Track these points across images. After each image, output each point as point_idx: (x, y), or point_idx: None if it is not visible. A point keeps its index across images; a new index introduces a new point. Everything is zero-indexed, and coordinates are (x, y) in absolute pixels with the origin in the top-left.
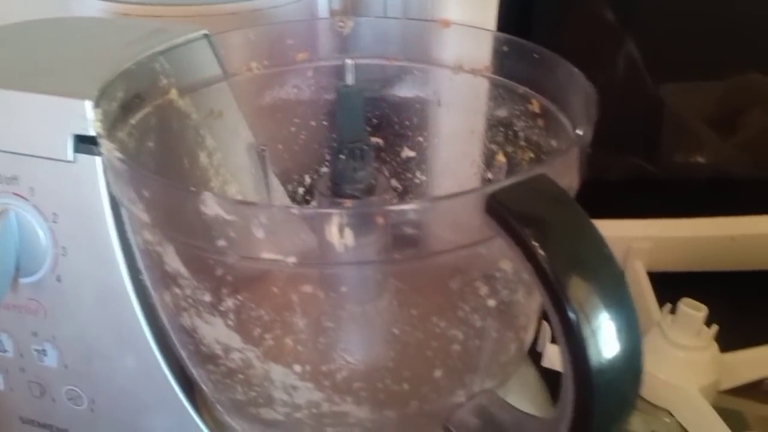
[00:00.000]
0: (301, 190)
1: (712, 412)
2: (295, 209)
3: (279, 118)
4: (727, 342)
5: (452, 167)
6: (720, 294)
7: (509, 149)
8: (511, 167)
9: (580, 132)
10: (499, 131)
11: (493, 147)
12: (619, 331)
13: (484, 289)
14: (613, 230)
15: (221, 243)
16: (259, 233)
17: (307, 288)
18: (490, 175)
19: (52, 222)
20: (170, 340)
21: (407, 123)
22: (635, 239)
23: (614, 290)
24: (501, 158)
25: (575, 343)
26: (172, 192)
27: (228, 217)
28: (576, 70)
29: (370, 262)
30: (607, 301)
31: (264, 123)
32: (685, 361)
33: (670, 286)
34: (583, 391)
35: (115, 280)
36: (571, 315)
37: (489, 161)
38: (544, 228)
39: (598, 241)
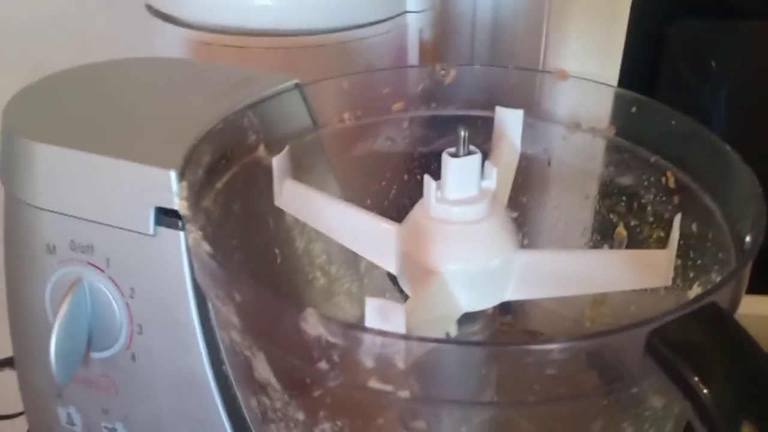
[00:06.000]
0: None
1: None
2: (414, 340)
3: (370, 171)
4: None
5: (560, 232)
6: None
7: (632, 222)
8: (634, 243)
9: (749, 239)
10: (621, 201)
11: (612, 217)
12: None
13: (629, 430)
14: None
15: (322, 365)
16: (369, 361)
17: (420, 424)
18: (606, 247)
19: (128, 297)
20: None
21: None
22: None
23: None
24: (622, 231)
25: None
26: (269, 301)
27: (332, 340)
28: (729, 149)
29: (499, 404)
30: None
31: (353, 177)
32: None
33: None
34: None
35: (195, 366)
36: None
37: (605, 231)
38: (715, 375)
39: None
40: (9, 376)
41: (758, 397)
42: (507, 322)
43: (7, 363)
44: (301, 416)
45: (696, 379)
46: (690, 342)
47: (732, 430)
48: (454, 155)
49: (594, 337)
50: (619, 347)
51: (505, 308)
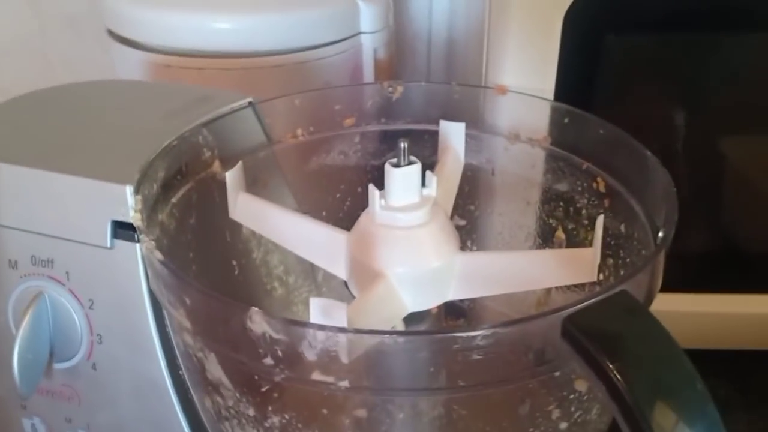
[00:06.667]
0: None
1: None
2: (351, 332)
3: (324, 184)
4: None
5: (505, 238)
6: None
7: (570, 226)
8: (572, 245)
9: (661, 234)
10: (559, 206)
11: (552, 222)
12: None
13: (556, 413)
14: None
15: (268, 361)
16: (310, 355)
17: (361, 412)
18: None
19: (88, 308)
20: None
21: (458, 191)
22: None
23: (700, 413)
24: (561, 234)
25: None
26: (216, 304)
27: (276, 336)
28: (649, 153)
29: (432, 390)
30: (693, 424)
31: (308, 190)
32: None
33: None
34: None
35: (153, 372)
36: None
37: (546, 235)
38: (625, 357)
39: (680, 361)
40: None
41: (668, 377)
42: (460, 326)
43: None
44: (251, 412)
45: (607, 361)
46: (602, 327)
47: (644, 409)
48: (396, 165)
49: (513, 324)
50: (541, 334)
51: (458, 312)
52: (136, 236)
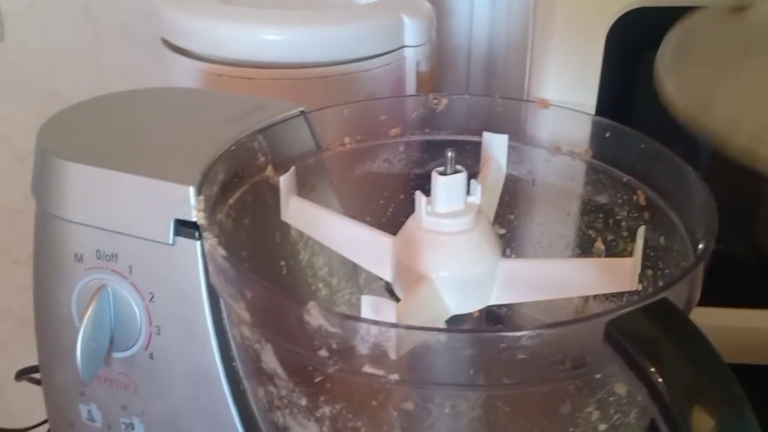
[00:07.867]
0: None
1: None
2: (402, 328)
3: (369, 190)
4: None
5: (544, 247)
6: None
7: (609, 237)
8: (611, 256)
9: (702, 246)
10: (599, 217)
11: (591, 233)
12: None
13: (595, 414)
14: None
15: (322, 353)
16: (363, 348)
17: (408, 405)
18: None
19: (148, 301)
20: (259, 430)
21: (498, 200)
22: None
23: (736, 415)
24: (600, 245)
25: None
26: (276, 298)
27: (332, 329)
28: (689, 168)
29: (478, 386)
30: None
31: (354, 195)
32: None
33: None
34: None
35: (208, 363)
36: None
37: (585, 246)
38: (666, 361)
39: (718, 365)
40: (24, 387)
41: (707, 381)
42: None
43: (24, 373)
44: (304, 402)
45: (648, 364)
46: (643, 331)
47: (684, 412)
48: (443, 173)
49: (558, 326)
50: (583, 337)
51: (496, 319)
52: (196, 234)
